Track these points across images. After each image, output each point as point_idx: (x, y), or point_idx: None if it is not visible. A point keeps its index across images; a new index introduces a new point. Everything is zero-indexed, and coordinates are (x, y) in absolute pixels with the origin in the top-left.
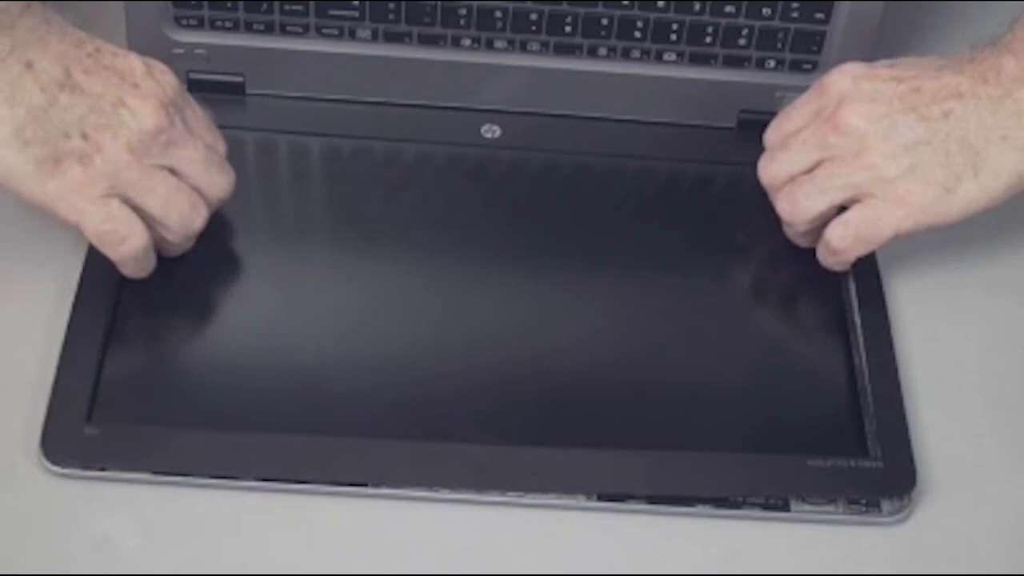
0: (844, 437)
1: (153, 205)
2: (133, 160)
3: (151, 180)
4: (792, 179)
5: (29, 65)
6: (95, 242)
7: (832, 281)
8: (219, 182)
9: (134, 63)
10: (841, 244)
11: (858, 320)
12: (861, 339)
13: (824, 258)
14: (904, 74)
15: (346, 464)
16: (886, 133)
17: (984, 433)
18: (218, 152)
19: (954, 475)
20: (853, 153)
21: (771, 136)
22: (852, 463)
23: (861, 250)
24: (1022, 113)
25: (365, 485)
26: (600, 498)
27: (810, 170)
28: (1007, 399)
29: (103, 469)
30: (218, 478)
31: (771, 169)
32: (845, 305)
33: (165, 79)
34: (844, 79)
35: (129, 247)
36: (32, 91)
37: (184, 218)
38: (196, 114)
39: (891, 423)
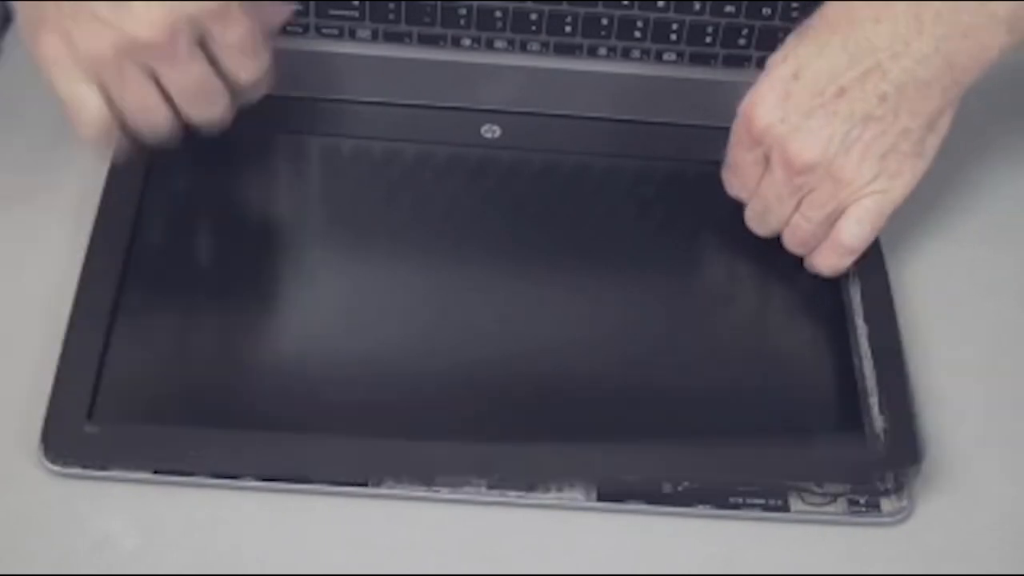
0: (845, 439)
1: (125, 104)
2: (113, 58)
3: (127, 81)
4: (787, 224)
5: None
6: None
7: (834, 281)
8: (204, 112)
9: None
10: (857, 241)
11: (861, 322)
12: (864, 341)
13: (826, 259)
14: (818, 82)
15: (346, 462)
16: (844, 148)
17: (984, 433)
18: (215, 84)
19: (954, 475)
20: (827, 180)
21: (739, 194)
22: (853, 465)
23: (871, 239)
24: (938, 50)
25: (365, 485)
26: (600, 498)
27: (797, 205)
28: (1007, 399)
29: (103, 468)
30: (219, 477)
31: (766, 228)
32: (847, 306)
33: None
34: (770, 120)
35: (86, 125)
36: None
37: (150, 127)
38: (227, 37)
39: (893, 420)
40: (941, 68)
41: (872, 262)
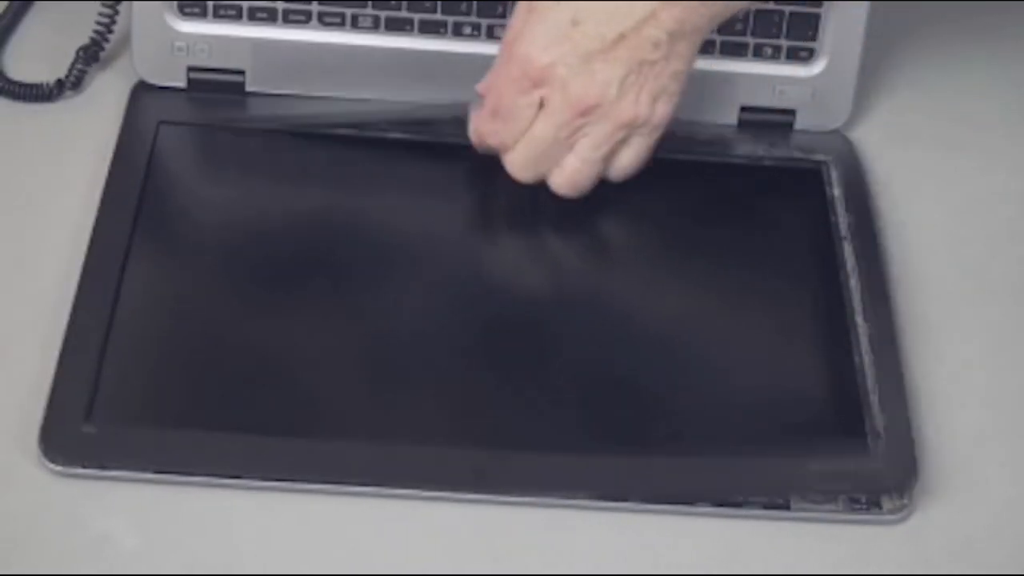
0: (846, 437)
1: None
2: None
3: None
4: (558, 166)
5: None
6: None
7: (834, 280)
8: None
9: None
10: (631, 172)
11: (861, 320)
12: (864, 339)
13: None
14: (598, 28)
15: (344, 466)
16: (622, 92)
17: (984, 433)
18: None
19: (954, 475)
20: (605, 121)
21: (503, 141)
22: (853, 463)
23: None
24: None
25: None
26: (600, 498)
27: (571, 146)
28: (1007, 399)
29: (101, 467)
30: (217, 477)
31: (534, 172)
32: (847, 305)
33: None
34: (550, 60)
35: None
36: None
37: None
38: None
39: (894, 418)
40: (704, 16)
41: (873, 265)
